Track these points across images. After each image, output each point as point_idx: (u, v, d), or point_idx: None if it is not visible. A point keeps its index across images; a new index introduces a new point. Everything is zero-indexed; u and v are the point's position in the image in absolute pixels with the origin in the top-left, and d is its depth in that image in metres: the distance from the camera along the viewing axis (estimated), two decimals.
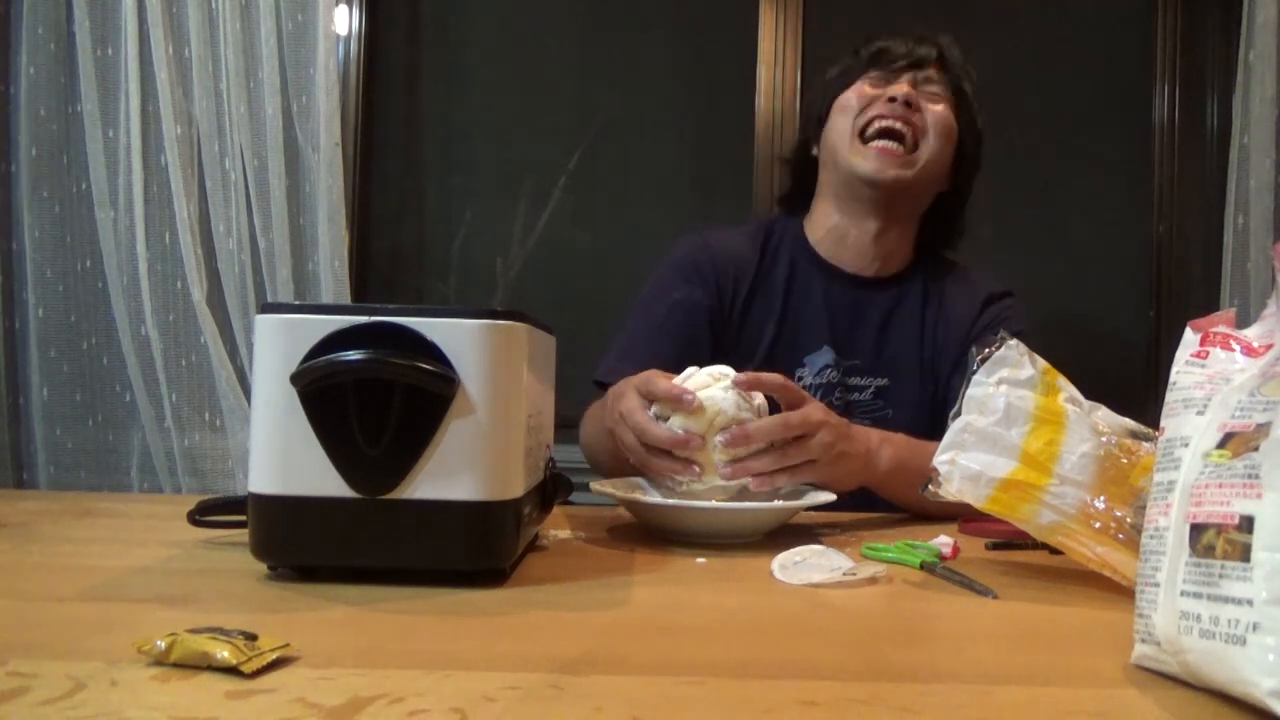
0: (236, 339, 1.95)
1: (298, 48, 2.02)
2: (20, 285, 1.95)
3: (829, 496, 0.96)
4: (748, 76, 2.31)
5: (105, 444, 1.98)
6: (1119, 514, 0.74)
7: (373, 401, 0.66)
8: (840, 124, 1.33)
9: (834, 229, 1.36)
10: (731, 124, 2.31)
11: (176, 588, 0.68)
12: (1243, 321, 0.58)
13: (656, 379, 0.95)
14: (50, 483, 1.96)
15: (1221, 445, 0.50)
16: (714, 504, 0.95)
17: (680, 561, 0.82)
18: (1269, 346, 0.54)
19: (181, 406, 1.95)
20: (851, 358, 1.31)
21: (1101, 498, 0.75)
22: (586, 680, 0.50)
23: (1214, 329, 0.58)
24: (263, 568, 0.71)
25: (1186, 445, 0.53)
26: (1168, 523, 0.52)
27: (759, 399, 0.96)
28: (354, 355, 0.66)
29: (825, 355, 1.31)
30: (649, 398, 0.95)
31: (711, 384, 0.94)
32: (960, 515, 0.99)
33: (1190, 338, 0.59)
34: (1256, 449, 0.48)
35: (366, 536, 0.68)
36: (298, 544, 0.69)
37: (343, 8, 2.27)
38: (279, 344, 0.67)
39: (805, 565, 0.76)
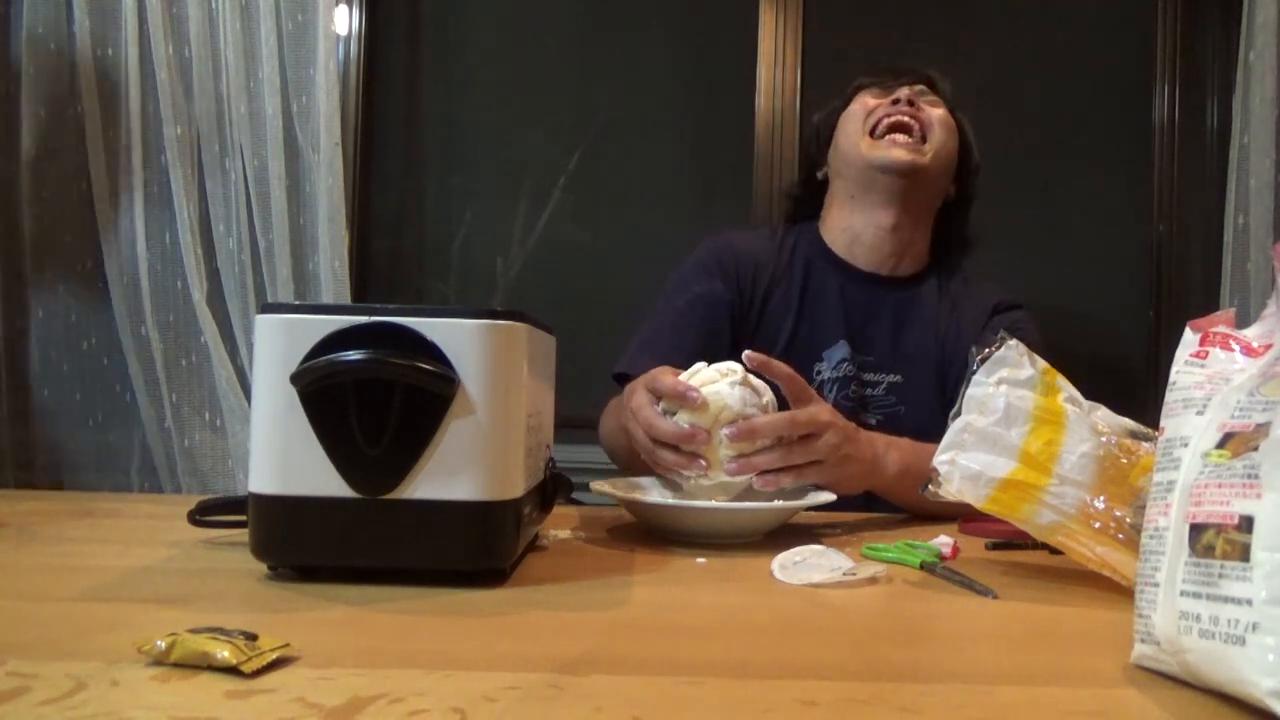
0: (236, 339, 1.95)
1: (298, 48, 2.02)
2: (20, 286, 1.95)
3: (829, 496, 0.96)
4: (748, 76, 2.31)
5: (105, 444, 1.98)
6: (1119, 514, 0.74)
7: (373, 401, 0.66)
8: (850, 128, 1.38)
9: (848, 229, 1.39)
10: (731, 124, 2.31)
11: (176, 588, 0.68)
12: (1243, 321, 0.58)
13: (662, 375, 0.96)
14: (50, 483, 1.95)
15: (1221, 445, 0.50)
16: (714, 504, 0.95)
17: (680, 561, 0.82)
18: (1269, 346, 0.54)
19: (181, 406, 1.95)
20: (866, 354, 1.33)
21: (1101, 498, 0.75)
22: (586, 680, 0.50)
23: (1214, 329, 0.58)
24: (263, 568, 0.71)
25: (1186, 445, 0.53)
26: (1167, 523, 0.52)
27: (767, 396, 0.95)
28: (354, 355, 0.66)
29: (842, 349, 1.33)
30: (655, 393, 0.95)
31: (719, 380, 0.94)
32: (966, 515, 0.99)
33: (1190, 338, 0.59)
34: (1256, 449, 0.48)
35: (366, 536, 0.68)
36: (298, 544, 0.69)
37: (343, 8, 2.27)
38: (279, 344, 0.67)
39: (805, 565, 0.76)
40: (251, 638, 0.50)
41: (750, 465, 0.93)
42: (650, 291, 1.44)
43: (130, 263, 1.94)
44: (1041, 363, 0.83)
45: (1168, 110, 2.41)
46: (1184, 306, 2.35)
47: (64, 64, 1.94)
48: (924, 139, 1.34)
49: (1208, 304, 2.28)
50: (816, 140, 1.47)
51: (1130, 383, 2.37)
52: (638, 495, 0.97)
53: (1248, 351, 0.56)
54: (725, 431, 0.91)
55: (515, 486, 0.70)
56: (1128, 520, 0.73)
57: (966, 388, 0.82)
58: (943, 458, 0.80)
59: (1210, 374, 0.56)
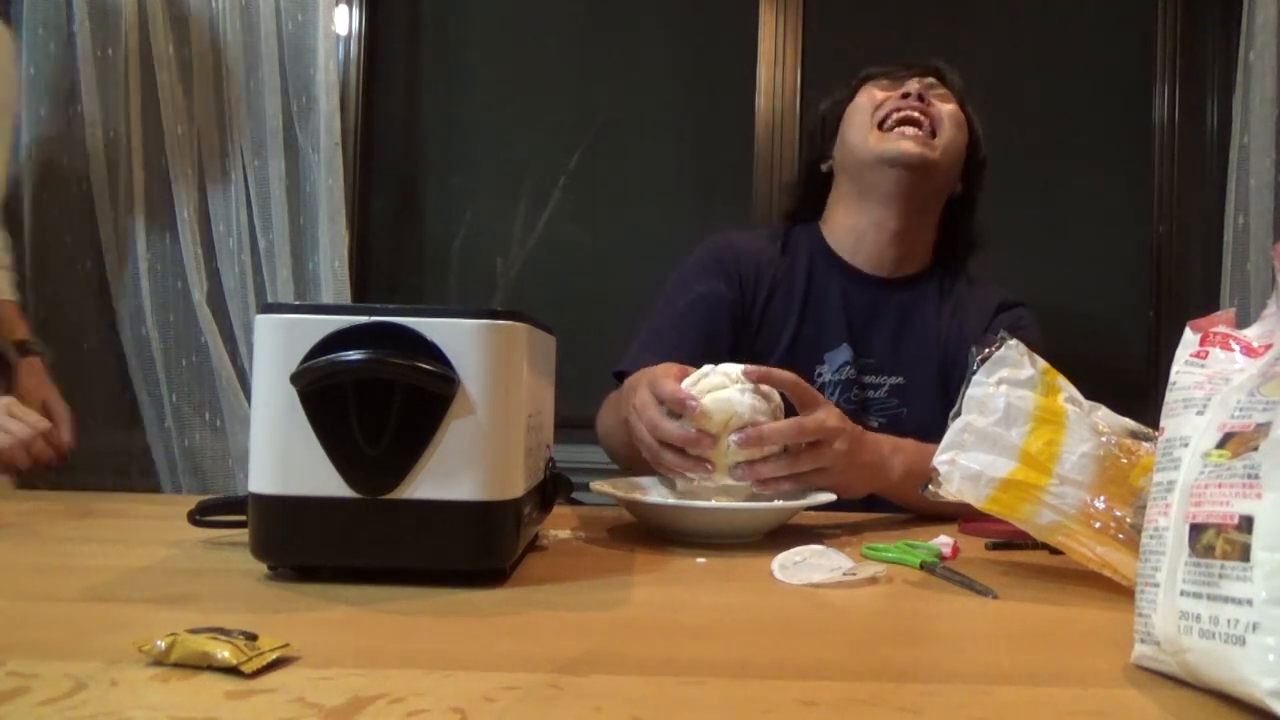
0: (236, 339, 1.95)
1: (298, 48, 2.02)
2: (21, 286, 1.95)
3: (830, 496, 0.96)
4: (748, 76, 2.31)
5: (105, 444, 1.98)
6: (1119, 514, 0.74)
7: (373, 401, 0.66)
8: (858, 121, 1.36)
9: (852, 229, 1.38)
10: (731, 124, 2.31)
11: (176, 588, 0.68)
12: (1243, 321, 0.58)
13: (665, 381, 0.95)
14: (50, 483, 1.95)
15: (1221, 445, 0.50)
16: (714, 504, 0.95)
17: (680, 561, 0.82)
18: (1269, 346, 0.54)
19: (181, 406, 1.95)
20: (868, 356, 1.33)
21: (1101, 498, 0.75)
22: (586, 680, 0.50)
23: (1214, 329, 0.58)
24: (263, 568, 0.71)
25: (1186, 445, 0.53)
26: (1167, 523, 0.52)
27: (776, 400, 0.95)
28: (354, 355, 0.66)
29: (844, 353, 1.32)
30: (656, 398, 0.95)
31: (728, 385, 0.93)
32: (967, 515, 0.99)
33: (1190, 338, 0.59)
34: (1256, 449, 0.48)
35: (366, 536, 0.68)
36: (298, 544, 0.69)
37: (343, 8, 2.27)
38: (279, 344, 0.67)
39: (805, 565, 0.76)
40: (251, 638, 0.50)
41: (756, 473, 0.93)
42: (650, 291, 1.44)
43: (130, 263, 1.94)
44: (1042, 363, 0.83)
45: (1168, 110, 2.41)
46: (1184, 306, 2.35)
47: (64, 64, 1.94)
48: (933, 133, 1.33)
49: (1208, 304, 2.28)
50: (822, 132, 1.45)
51: (1130, 383, 2.37)
52: (638, 495, 0.97)
53: (1248, 351, 0.56)
54: (733, 438, 0.91)
55: (515, 486, 0.70)
56: (1128, 520, 0.73)
57: (967, 388, 0.82)
58: (943, 458, 0.80)
59: (1210, 374, 0.56)
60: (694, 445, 0.92)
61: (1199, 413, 0.54)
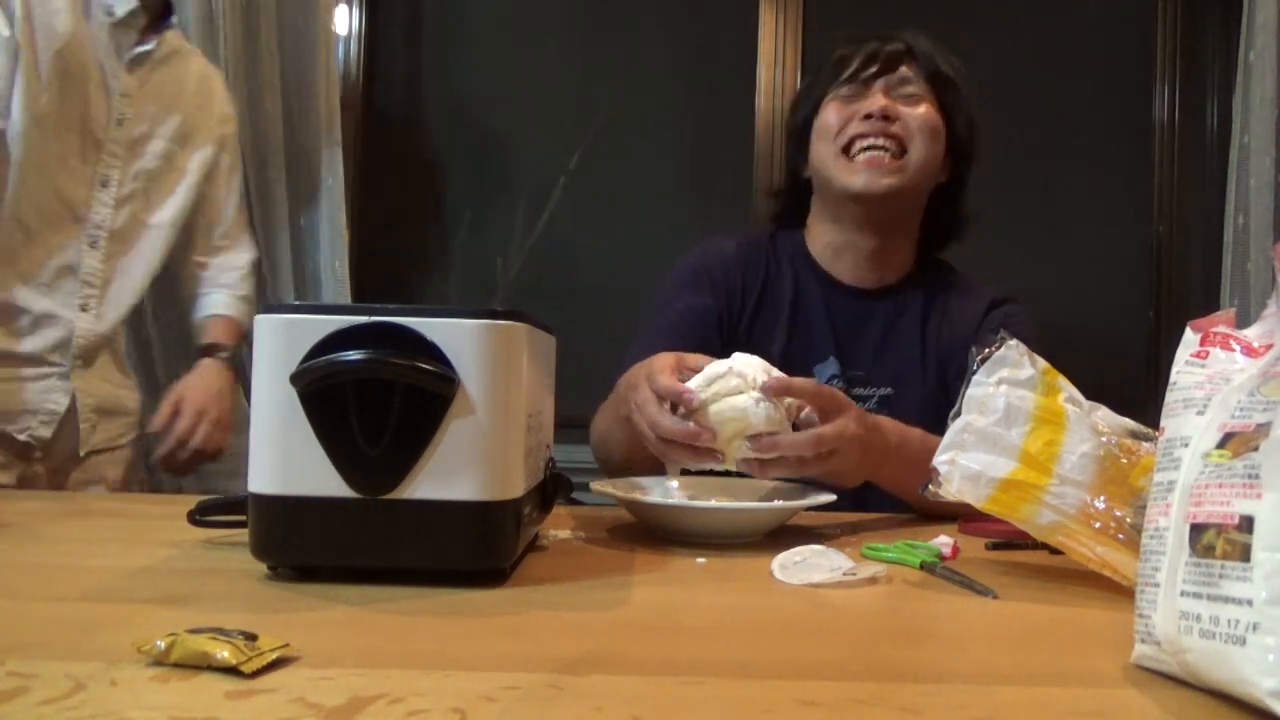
0: None
1: (298, 48, 2.02)
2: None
3: (829, 496, 0.96)
4: (748, 76, 2.31)
5: None
6: (1119, 514, 0.74)
7: (373, 401, 0.66)
8: (821, 147, 1.31)
9: (830, 244, 1.36)
10: (731, 124, 2.32)
11: (176, 588, 0.68)
12: (1243, 321, 0.58)
13: (661, 376, 0.94)
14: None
15: (1221, 445, 0.50)
16: (714, 504, 0.95)
17: (680, 561, 0.82)
18: (1269, 346, 0.54)
19: None
20: (855, 368, 1.31)
21: (1101, 498, 0.75)
22: (586, 680, 0.50)
23: (1214, 329, 0.58)
24: (263, 568, 0.71)
25: (1186, 445, 0.53)
26: (1168, 523, 0.52)
27: (788, 400, 0.95)
28: (354, 355, 0.66)
29: (831, 366, 1.31)
30: (656, 392, 0.94)
31: (743, 391, 0.91)
32: (974, 517, 0.98)
33: (1190, 338, 0.59)
34: (1256, 449, 0.48)
35: (366, 536, 0.68)
36: (298, 544, 0.69)
37: (343, 8, 2.27)
38: (279, 344, 0.67)
39: (805, 565, 0.76)
40: (251, 638, 0.50)
41: (765, 471, 0.93)
42: (650, 292, 1.44)
43: None
44: (1042, 363, 0.83)
45: (1168, 110, 2.41)
46: (1184, 306, 2.35)
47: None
48: (903, 151, 1.28)
49: (1208, 304, 2.28)
50: (794, 141, 1.41)
51: (1130, 383, 2.37)
52: (638, 495, 0.97)
53: (1248, 351, 0.56)
54: (748, 444, 0.90)
55: (515, 486, 0.70)
56: (1128, 520, 0.73)
57: (966, 388, 0.82)
58: (943, 458, 0.80)
59: (1210, 374, 0.56)
60: (693, 440, 0.92)
61: (1199, 413, 0.54)
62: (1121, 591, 0.69)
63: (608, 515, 1.03)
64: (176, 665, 0.48)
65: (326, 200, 2.00)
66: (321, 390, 0.66)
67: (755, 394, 0.91)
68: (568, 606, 0.66)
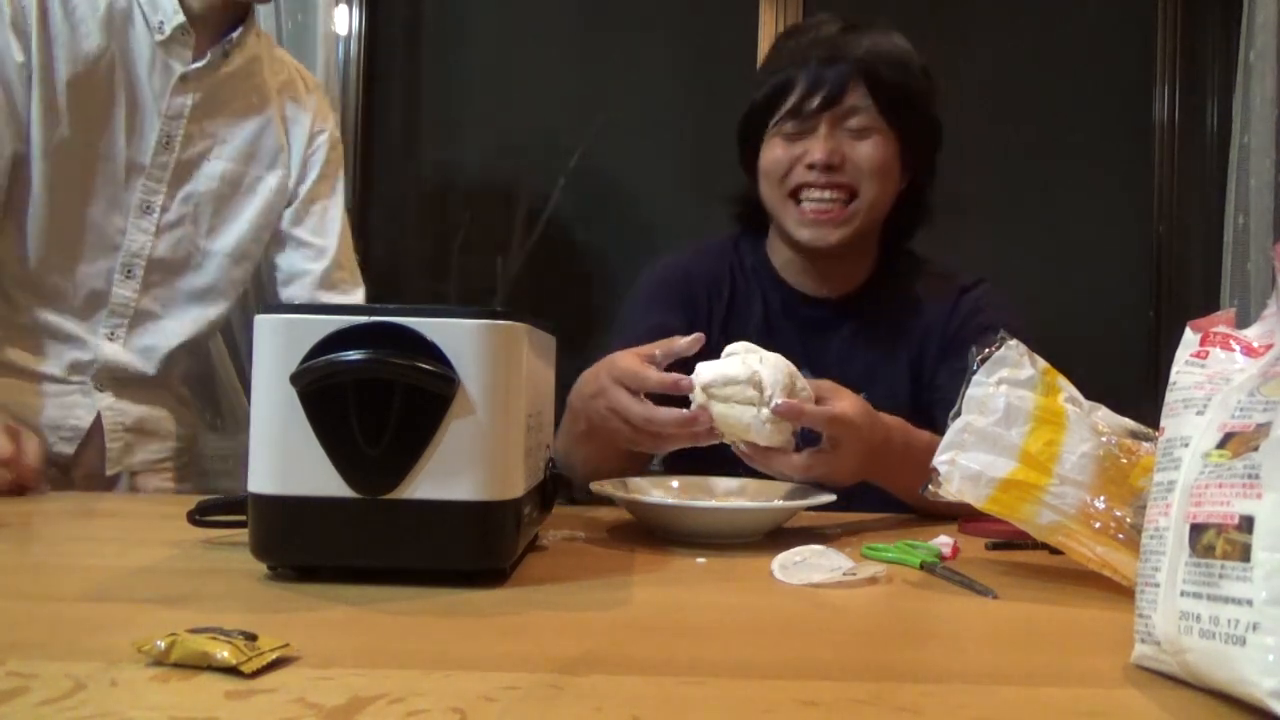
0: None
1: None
2: None
3: (829, 496, 0.96)
4: (748, 76, 2.31)
5: None
6: (1119, 514, 0.74)
7: (373, 401, 0.66)
8: (769, 190, 1.26)
9: (791, 260, 1.32)
10: (731, 124, 2.31)
11: (176, 588, 0.68)
12: (1243, 321, 0.58)
13: (645, 374, 0.93)
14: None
15: (1221, 445, 0.50)
16: (714, 504, 0.96)
17: (680, 561, 0.82)
18: (1269, 346, 0.54)
19: None
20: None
21: (1101, 498, 0.75)
22: (586, 680, 0.50)
23: (1214, 329, 0.58)
24: (263, 568, 0.71)
25: (1186, 445, 0.53)
26: (1168, 523, 0.52)
27: (800, 383, 0.94)
28: (354, 355, 0.66)
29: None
30: (641, 389, 0.94)
31: (756, 403, 0.90)
32: (973, 516, 0.98)
33: (1190, 338, 0.59)
34: (1256, 449, 0.48)
35: (366, 536, 0.68)
36: (298, 544, 0.69)
37: (343, 8, 2.27)
38: (279, 344, 0.67)
39: (805, 565, 0.76)
40: (251, 638, 0.50)
41: (768, 460, 0.93)
42: None
43: None
44: (1041, 363, 0.83)
45: (1168, 110, 2.41)
46: (1184, 306, 2.35)
47: None
48: (852, 195, 1.22)
49: (1208, 304, 2.28)
50: (742, 160, 1.33)
51: (1130, 383, 2.37)
52: (638, 495, 0.97)
53: (1248, 351, 0.56)
54: (774, 404, 0.89)
55: (515, 486, 0.70)
56: (1128, 520, 0.73)
57: (966, 388, 0.82)
58: (943, 458, 0.80)
59: (1210, 374, 0.56)
60: (690, 425, 0.91)
61: (1199, 413, 0.54)
62: (1121, 591, 0.69)
63: (608, 515, 1.03)
64: (176, 665, 0.48)
65: None
66: (321, 390, 0.66)
67: (766, 412, 0.90)
68: (568, 606, 0.66)
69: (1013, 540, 0.90)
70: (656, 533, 0.92)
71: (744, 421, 0.90)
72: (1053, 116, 2.40)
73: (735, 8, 2.33)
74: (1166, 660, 0.51)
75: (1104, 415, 0.82)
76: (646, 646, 0.57)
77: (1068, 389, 0.82)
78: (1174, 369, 0.58)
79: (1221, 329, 0.58)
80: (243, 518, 0.71)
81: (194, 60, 1.35)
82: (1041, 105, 2.40)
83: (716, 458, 1.00)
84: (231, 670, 0.47)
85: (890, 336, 1.30)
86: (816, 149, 1.21)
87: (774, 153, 1.25)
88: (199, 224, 1.41)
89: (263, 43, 1.46)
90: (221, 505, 0.83)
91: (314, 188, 1.50)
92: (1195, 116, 2.40)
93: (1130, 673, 0.53)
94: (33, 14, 1.25)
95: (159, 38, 1.33)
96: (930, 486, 0.80)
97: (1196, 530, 0.49)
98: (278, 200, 1.46)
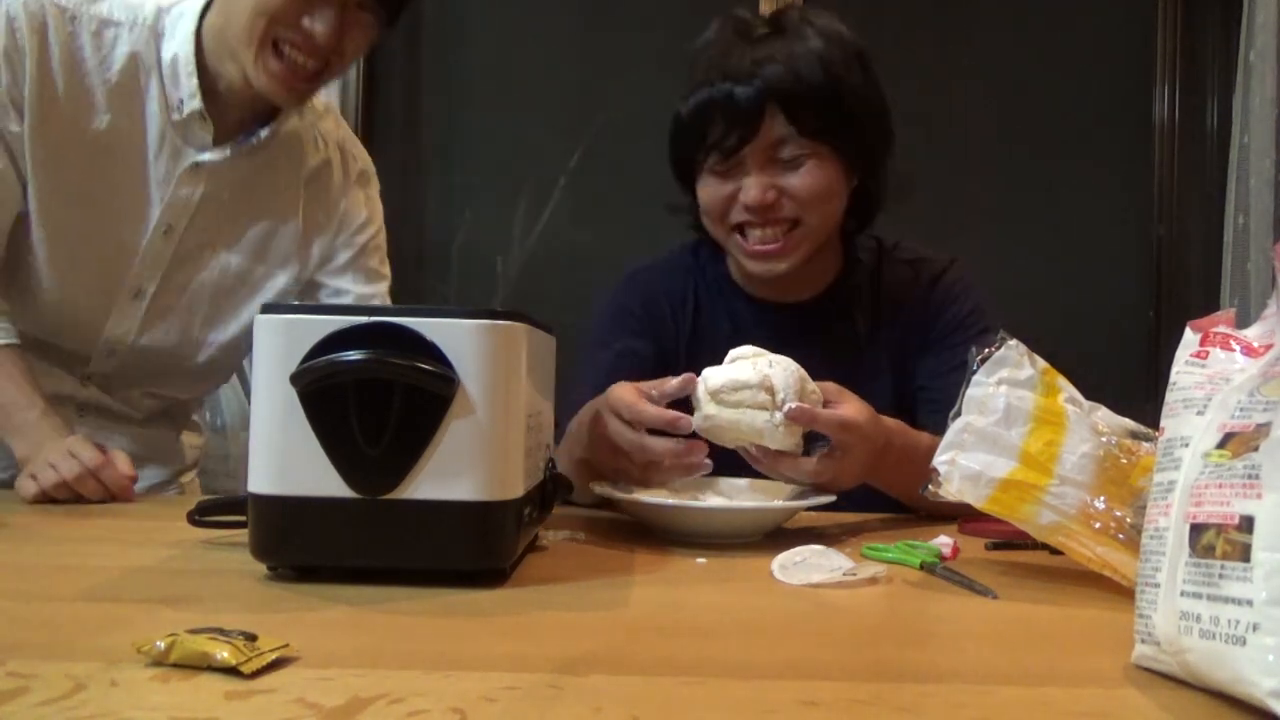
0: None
1: None
2: None
3: (829, 496, 0.96)
4: None
5: None
6: (1119, 514, 0.74)
7: (373, 401, 0.66)
8: (711, 225, 1.20)
9: (747, 274, 1.26)
10: None
11: (176, 588, 0.68)
12: (1243, 321, 0.58)
13: (642, 409, 0.92)
14: None
15: (1221, 445, 0.50)
16: (714, 504, 0.95)
17: (680, 561, 0.82)
18: (1269, 346, 0.54)
19: None
20: None
21: (1101, 498, 0.75)
22: (586, 680, 0.50)
23: (1214, 329, 0.58)
24: (263, 568, 0.71)
25: (1186, 445, 0.53)
26: (1168, 523, 0.52)
27: (810, 385, 0.94)
28: (354, 355, 0.66)
29: None
30: (637, 422, 0.92)
31: (768, 408, 0.90)
32: (973, 516, 0.97)
33: (1190, 338, 0.59)
34: (1256, 449, 0.48)
35: (366, 536, 0.68)
36: (298, 544, 0.69)
37: None
38: (279, 344, 0.67)
39: (805, 565, 0.76)
40: (251, 638, 0.50)
41: (776, 471, 0.93)
42: None
43: None
44: (1041, 363, 0.83)
45: (1168, 110, 2.41)
46: (1184, 306, 2.35)
47: None
48: (795, 223, 1.15)
49: (1208, 304, 2.28)
50: (677, 178, 1.24)
51: (1130, 383, 2.37)
52: (638, 495, 0.96)
53: (1248, 351, 0.56)
54: (787, 408, 0.89)
55: (515, 486, 0.70)
56: (1128, 520, 0.73)
57: (967, 388, 0.82)
58: (943, 458, 0.80)
59: (1210, 374, 0.56)
60: (689, 456, 0.91)
61: (1199, 413, 0.54)
62: (1121, 591, 0.69)
63: (608, 515, 1.03)
64: (176, 665, 0.48)
65: None
66: (321, 390, 0.66)
67: (779, 416, 0.89)
68: (568, 606, 0.66)
69: (1013, 540, 0.90)
70: (656, 533, 0.92)
71: (756, 426, 0.90)
72: (1053, 116, 2.40)
73: (735, 7, 2.33)
74: (1166, 660, 0.51)
75: (1104, 415, 0.82)
76: (646, 646, 0.57)
77: (1067, 389, 0.82)
78: (1174, 369, 0.58)
79: (1221, 329, 0.58)
80: (242, 518, 0.71)
81: (213, 147, 1.21)
82: (1042, 105, 2.40)
83: (717, 458, 1.00)
84: (231, 670, 0.47)
85: (867, 335, 1.26)
86: (749, 189, 1.12)
87: (707, 191, 1.17)
88: (194, 314, 1.28)
89: (307, 119, 1.31)
90: (221, 505, 0.83)
91: (340, 271, 1.35)
92: (1195, 116, 2.40)
93: (1130, 673, 0.53)
94: (26, 80, 1.13)
95: (175, 117, 1.19)
96: (930, 486, 0.80)
97: (1196, 530, 0.49)
98: (290, 292, 1.32)
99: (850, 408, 0.95)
